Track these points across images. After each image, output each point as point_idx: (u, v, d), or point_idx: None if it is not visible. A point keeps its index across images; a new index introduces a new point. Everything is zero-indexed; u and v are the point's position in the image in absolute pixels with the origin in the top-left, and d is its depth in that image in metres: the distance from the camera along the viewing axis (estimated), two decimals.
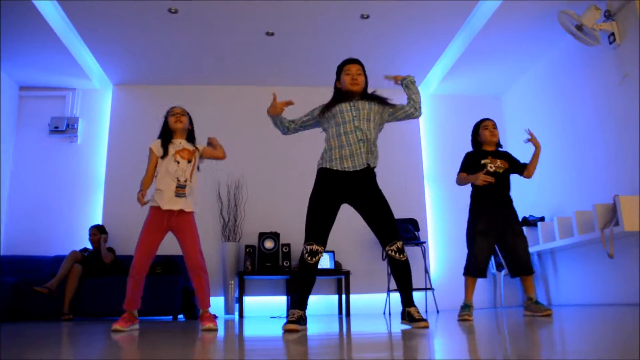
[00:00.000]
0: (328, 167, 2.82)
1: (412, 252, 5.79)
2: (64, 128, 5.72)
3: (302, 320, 2.69)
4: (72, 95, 5.92)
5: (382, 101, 2.94)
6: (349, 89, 2.90)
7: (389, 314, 5.25)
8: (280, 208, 5.80)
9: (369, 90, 3.01)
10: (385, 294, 5.48)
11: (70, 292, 4.60)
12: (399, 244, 2.76)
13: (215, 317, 3.12)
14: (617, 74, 4.58)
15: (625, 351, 1.34)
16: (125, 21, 4.79)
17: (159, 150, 3.15)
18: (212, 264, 5.61)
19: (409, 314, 2.72)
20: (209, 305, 3.03)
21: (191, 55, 5.45)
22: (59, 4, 4.57)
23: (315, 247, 2.74)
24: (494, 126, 3.67)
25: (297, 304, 2.76)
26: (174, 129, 3.18)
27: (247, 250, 5.31)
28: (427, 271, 5.48)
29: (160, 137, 3.22)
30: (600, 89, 4.83)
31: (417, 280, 5.64)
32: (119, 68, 5.65)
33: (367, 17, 4.81)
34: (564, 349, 1.50)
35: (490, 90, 6.43)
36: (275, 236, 5.32)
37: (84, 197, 5.75)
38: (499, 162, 3.56)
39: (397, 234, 2.80)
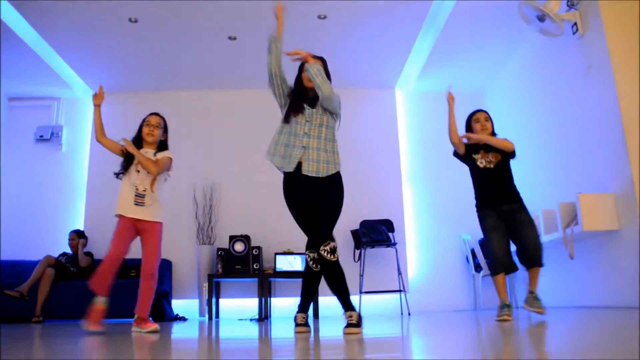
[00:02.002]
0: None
1: (386, 253, 5.73)
2: (48, 137, 5.96)
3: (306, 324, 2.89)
4: (57, 105, 6.16)
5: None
6: (306, 85, 2.90)
7: None
8: (253, 211, 5.84)
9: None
10: (357, 296, 5.43)
11: (43, 295, 4.79)
12: (332, 245, 2.72)
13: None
14: (581, 65, 4.39)
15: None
16: (91, 33, 4.94)
17: (128, 144, 3.21)
18: (187, 267, 5.74)
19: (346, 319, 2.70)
20: (145, 313, 3.11)
21: (158, 63, 5.57)
22: (28, 22, 4.77)
23: (312, 254, 2.84)
24: (486, 118, 3.52)
25: (299, 307, 2.95)
26: (144, 140, 3.26)
27: (219, 253, 5.38)
28: (399, 273, 5.40)
29: (134, 140, 3.29)
30: (567, 82, 4.64)
31: (391, 282, 5.60)
32: (95, 77, 5.84)
33: (325, 17, 4.80)
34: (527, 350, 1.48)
35: (473, 86, 6.27)
36: (245, 239, 5.36)
37: (68, 203, 5.97)
38: (490, 155, 3.41)
39: (329, 235, 2.75)
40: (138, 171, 3.18)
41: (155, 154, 3.28)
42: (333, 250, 2.70)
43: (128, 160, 3.22)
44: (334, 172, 2.80)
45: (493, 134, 3.53)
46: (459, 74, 5.95)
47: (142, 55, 5.41)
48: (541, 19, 4.40)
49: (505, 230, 3.33)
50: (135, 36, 5.03)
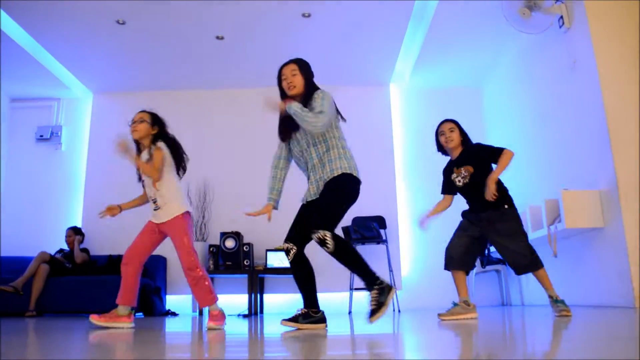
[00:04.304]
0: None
1: (378, 250, 5.71)
2: (48, 136, 6.12)
3: (301, 317, 2.60)
4: (57, 105, 6.31)
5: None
6: (289, 95, 2.75)
7: (349, 312, 5.21)
8: (245, 208, 5.88)
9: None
10: (348, 293, 5.44)
11: (37, 291, 4.91)
12: (320, 234, 2.50)
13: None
14: (568, 59, 4.30)
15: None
16: (81, 34, 5.04)
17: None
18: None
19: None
20: (204, 305, 2.95)
21: (149, 63, 5.65)
22: (22, 27, 4.91)
23: (285, 245, 2.73)
24: (451, 129, 3.33)
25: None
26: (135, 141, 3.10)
27: (211, 249, 5.44)
28: (390, 270, 5.38)
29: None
30: (555, 76, 4.56)
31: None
32: (92, 78, 5.97)
33: (309, 15, 4.79)
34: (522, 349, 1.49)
35: (470, 82, 6.19)
36: (236, 236, 5.42)
37: (67, 200, 6.12)
38: (462, 170, 3.27)
39: (315, 223, 2.54)
40: (144, 180, 3.08)
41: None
42: (322, 242, 2.53)
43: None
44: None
45: (464, 139, 3.34)
46: (454, 69, 5.88)
47: (132, 57, 5.50)
48: (530, 8, 4.29)
49: (478, 236, 3.23)
50: (124, 38, 5.11)
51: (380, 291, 2.51)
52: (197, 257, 2.97)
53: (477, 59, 5.69)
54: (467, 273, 3.30)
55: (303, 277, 2.70)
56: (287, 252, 2.72)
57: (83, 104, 6.39)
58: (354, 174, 2.69)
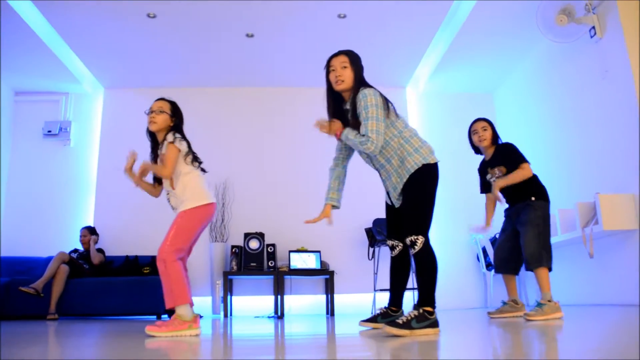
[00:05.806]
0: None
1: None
2: (57, 132, 5.87)
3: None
4: (65, 100, 6.07)
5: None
6: (335, 89, 2.59)
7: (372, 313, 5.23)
8: (266, 209, 5.84)
9: None
10: (372, 294, 5.46)
11: (57, 292, 4.71)
12: (412, 238, 2.36)
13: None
14: (599, 69, 4.47)
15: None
16: (107, 26, 4.88)
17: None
18: (200, 265, 5.71)
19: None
20: (169, 305, 2.61)
21: (175, 59, 5.53)
22: (41, 12, 4.69)
23: (389, 242, 2.77)
24: (484, 127, 3.50)
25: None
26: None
27: (233, 250, 5.36)
28: (412, 271, 5.43)
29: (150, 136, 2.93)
30: (584, 85, 4.73)
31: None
32: (107, 72, 5.77)
33: (344, 16, 4.81)
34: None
35: (482, 87, 6.35)
36: (260, 236, 5.36)
37: (77, 198, 5.89)
38: (496, 170, 3.45)
39: (408, 229, 2.39)
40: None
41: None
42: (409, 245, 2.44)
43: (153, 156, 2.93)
44: None
45: (495, 138, 3.52)
46: (469, 75, 6.01)
47: (159, 51, 5.36)
48: (566, 13, 4.43)
49: (516, 232, 3.41)
50: (153, 32, 4.98)
51: (422, 318, 2.22)
52: (172, 251, 2.64)
53: (492, 66, 5.84)
54: (517, 272, 3.53)
55: (403, 274, 2.78)
56: (392, 248, 2.75)
57: (93, 99, 6.17)
58: (429, 161, 2.46)
